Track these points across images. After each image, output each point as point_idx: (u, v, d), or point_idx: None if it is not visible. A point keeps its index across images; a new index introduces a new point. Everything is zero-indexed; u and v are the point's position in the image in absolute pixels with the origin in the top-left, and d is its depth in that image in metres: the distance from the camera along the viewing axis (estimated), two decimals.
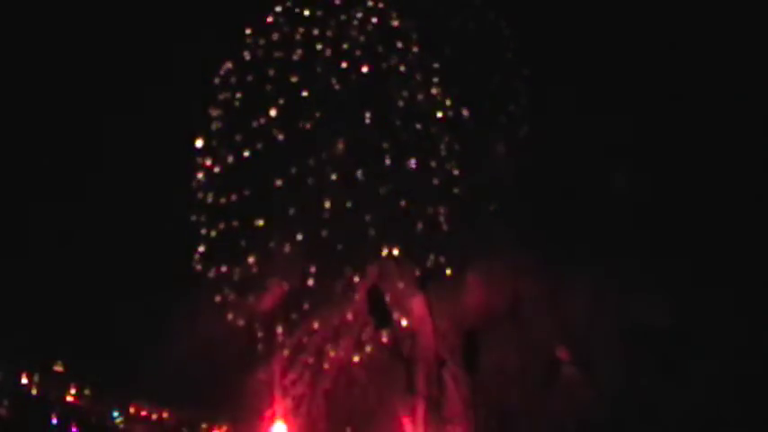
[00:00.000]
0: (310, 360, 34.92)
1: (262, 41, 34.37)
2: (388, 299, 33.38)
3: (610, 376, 32.16)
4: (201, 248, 34.66)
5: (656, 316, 31.81)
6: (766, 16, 31.99)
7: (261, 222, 33.86)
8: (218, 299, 34.65)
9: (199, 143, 34.19)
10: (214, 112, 34.35)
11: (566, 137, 33.64)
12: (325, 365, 34.84)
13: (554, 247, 33.23)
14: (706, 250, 31.81)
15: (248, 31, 34.64)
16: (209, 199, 34.42)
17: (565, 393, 33.27)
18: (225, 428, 39.42)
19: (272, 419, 34.31)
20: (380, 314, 33.17)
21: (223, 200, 34.32)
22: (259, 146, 33.68)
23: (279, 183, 33.63)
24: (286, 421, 34.51)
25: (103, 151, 36.47)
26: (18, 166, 36.82)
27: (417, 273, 34.35)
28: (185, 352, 35.81)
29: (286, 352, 35.01)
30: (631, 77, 33.51)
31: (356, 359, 34.97)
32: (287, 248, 33.73)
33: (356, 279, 34.24)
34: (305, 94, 33.52)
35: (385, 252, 34.19)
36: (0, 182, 36.45)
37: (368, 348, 34.83)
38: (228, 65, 34.70)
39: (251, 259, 33.84)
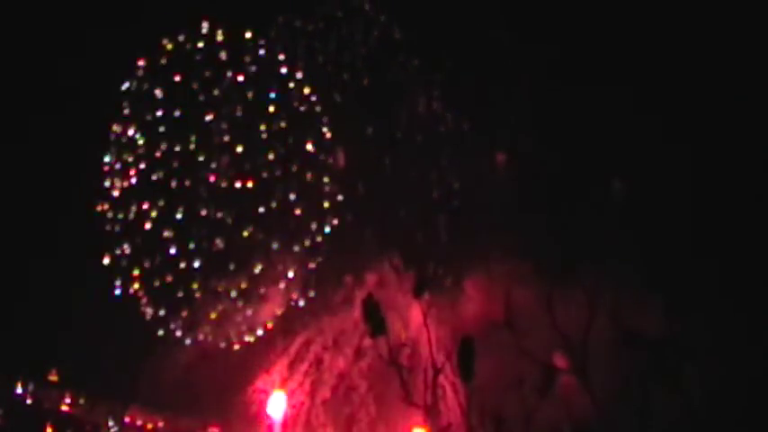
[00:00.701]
0: (309, 369, 35.29)
1: (263, 53, 34.78)
2: (384, 307, 33.88)
3: (605, 383, 32.57)
4: (197, 263, 34.87)
5: (651, 324, 32.28)
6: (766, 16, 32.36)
7: (261, 235, 34.27)
8: (217, 310, 34.94)
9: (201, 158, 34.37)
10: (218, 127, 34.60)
11: (561, 148, 34.07)
12: (325, 374, 35.24)
13: (550, 256, 33.61)
14: (700, 259, 32.22)
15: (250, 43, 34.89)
16: (212, 214, 34.65)
17: (561, 400, 33.64)
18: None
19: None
20: (375, 322, 33.61)
21: (220, 214, 34.62)
22: (260, 160, 34.09)
23: (279, 195, 34.08)
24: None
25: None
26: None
27: (414, 281, 34.64)
28: (184, 362, 36.15)
29: (285, 361, 35.39)
30: (627, 88, 33.84)
31: (355, 368, 35.30)
32: (287, 260, 34.25)
33: (355, 289, 34.68)
34: (303, 109, 34.01)
35: (385, 262, 34.61)
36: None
37: (367, 357, 35.12)
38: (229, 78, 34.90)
39: (254, 270, 34.17)
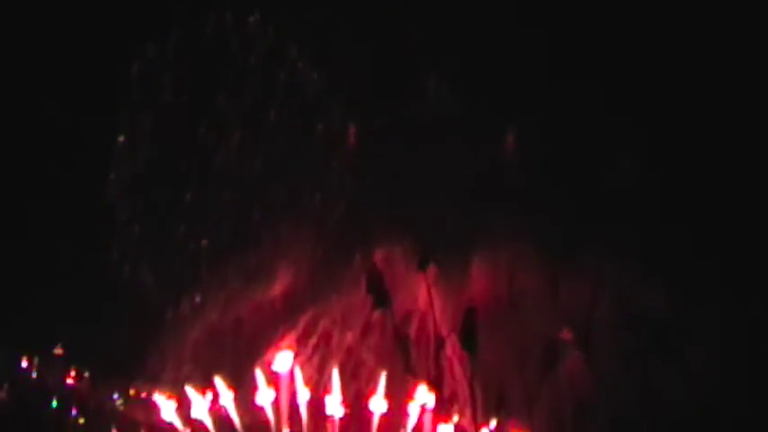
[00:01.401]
0: (318, 343, 35.75)
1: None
2: (389, 281, 34.42)
3: (607, 361, 33.44)
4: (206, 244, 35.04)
5: (653, 303, 33.05)
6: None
7: (270, 216, 34.50)
8: (226, 290, 35.27)
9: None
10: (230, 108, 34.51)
11: (568, 132, 34.34)
12: (333, 349, 35.71)
13: (555, 235, 34.13)
14: (703, 239, 32.87)
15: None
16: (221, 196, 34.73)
17: (564, 377, 34.51)
18: None
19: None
20: (379, 294, 34.20)
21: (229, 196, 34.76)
22: (270, 141, 34.20)
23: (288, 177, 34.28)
24: None
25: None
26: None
27: (419, 256, 35.03)
28: (192, 339, 36.44)
29: (294, 335, 35.76)
30: (633, 78, 34.17)
31: (364, 343, 35.77)
32: (296, 241, 34.54)
33: (364, 267, 35.05)
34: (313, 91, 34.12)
35: (394, 239, 35.02)
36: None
37: (375, 333, 35.62)
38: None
39: (263, 251, 34.43)
